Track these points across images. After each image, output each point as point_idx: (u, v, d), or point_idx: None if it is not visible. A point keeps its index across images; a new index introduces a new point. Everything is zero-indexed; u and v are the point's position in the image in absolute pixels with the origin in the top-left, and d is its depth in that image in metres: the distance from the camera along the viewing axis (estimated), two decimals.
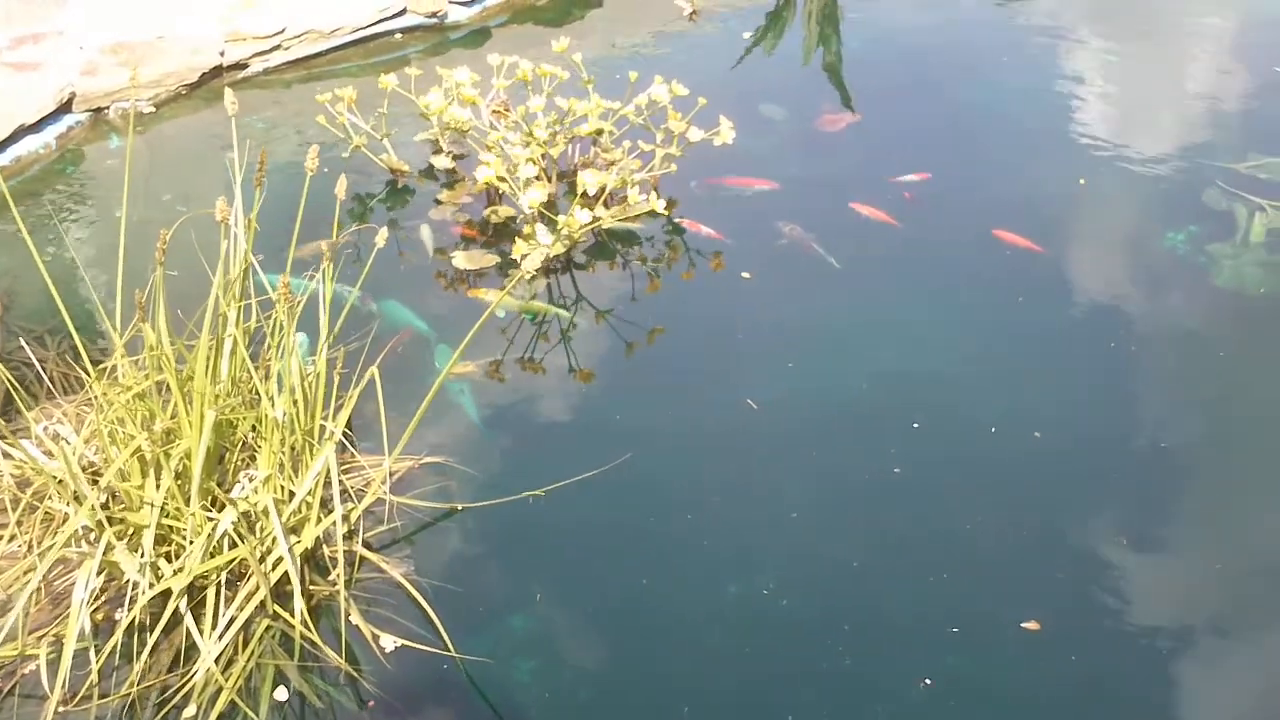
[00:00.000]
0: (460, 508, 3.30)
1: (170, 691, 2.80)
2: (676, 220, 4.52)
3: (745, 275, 4.31)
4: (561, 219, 4.22)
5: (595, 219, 4.23)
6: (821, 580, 3.21)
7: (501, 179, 4.36)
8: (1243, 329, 4.13)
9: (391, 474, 3.30)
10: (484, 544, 3.25)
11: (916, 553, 3.26)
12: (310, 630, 2.91)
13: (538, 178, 4.33)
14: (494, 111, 4.68)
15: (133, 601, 2.86)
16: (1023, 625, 3.04)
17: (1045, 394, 3.83)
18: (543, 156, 4.48)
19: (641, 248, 4.47)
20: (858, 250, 4.47)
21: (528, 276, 2.88)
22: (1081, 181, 4.91)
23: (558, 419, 3.71)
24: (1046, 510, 3.41)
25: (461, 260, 4.31)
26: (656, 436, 3.61)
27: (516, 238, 4.21)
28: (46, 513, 3.03)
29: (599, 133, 4.64)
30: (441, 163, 4.83)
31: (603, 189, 4.25)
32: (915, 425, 3.66)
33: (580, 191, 4.24)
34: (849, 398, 3.81)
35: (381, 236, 3.13)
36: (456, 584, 3.10)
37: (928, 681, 2.90)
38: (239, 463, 3.19)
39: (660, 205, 4.34)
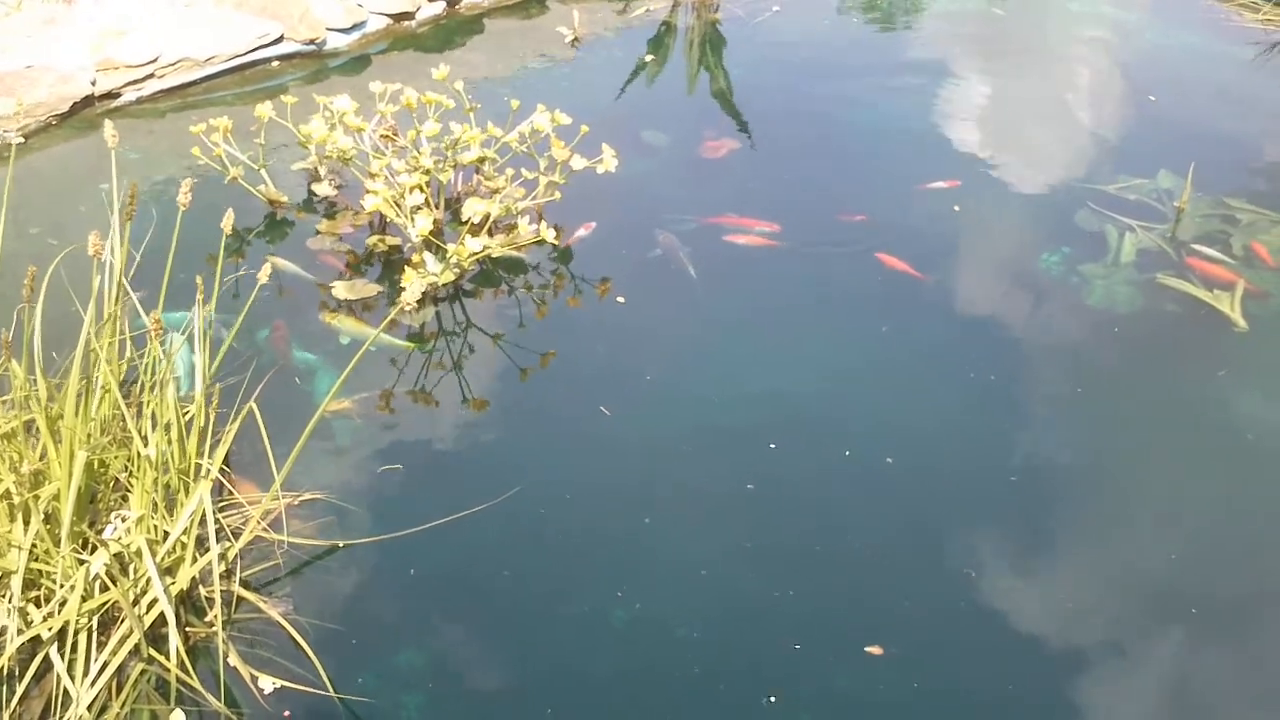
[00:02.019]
0: (341, 544, 3.25)
1: None
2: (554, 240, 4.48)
3: (620, 300, 4.33)
4: (452, 247, 4.19)
5: (485, 247, 4.21)
6: (673, 591, 3.23)
7: (390, 203, 4.31)
8: (1112, 350, 4.24)
9: (271, 511, 3.24)
10: (366, 580, 3.20)
11: (765, 568, 3.30)
12: (187, 673, 2.84)
13: (424, 204, 4.29)
14: (382, 136, 4.63)
15: (0, 649, 2.77)
16: (866, 649, 3.08)
17: (908, 418, 3.88)
18: (429, 184, 4.44)
19: (527, 275, 4.46)
20: (740, 272, 4.52)
21: (409, 308, 2.85)
22: (956, 208, 5.02)
23: (438, 451, 3.67)
24: (895, 535, 3.45)
25: (342, 291, 4.26)
26: (534, 463, 3.61)
27: (405, 266, 4.16)
28: None
29: (482, 160, 4.62)
30: (324, 190, 4.77)
31: (487, 217, 4.23)
32: (772, 445, 3.70)
33: (465, 220, 4.21)
34: (711, 417, 3.84)
35: (265, 272, 3.09)
36: (338, 622, 3.06)
37: (772, 699, 2.93)
38: (111, 503, 3.11)
39: (550, 234, 4.33)
